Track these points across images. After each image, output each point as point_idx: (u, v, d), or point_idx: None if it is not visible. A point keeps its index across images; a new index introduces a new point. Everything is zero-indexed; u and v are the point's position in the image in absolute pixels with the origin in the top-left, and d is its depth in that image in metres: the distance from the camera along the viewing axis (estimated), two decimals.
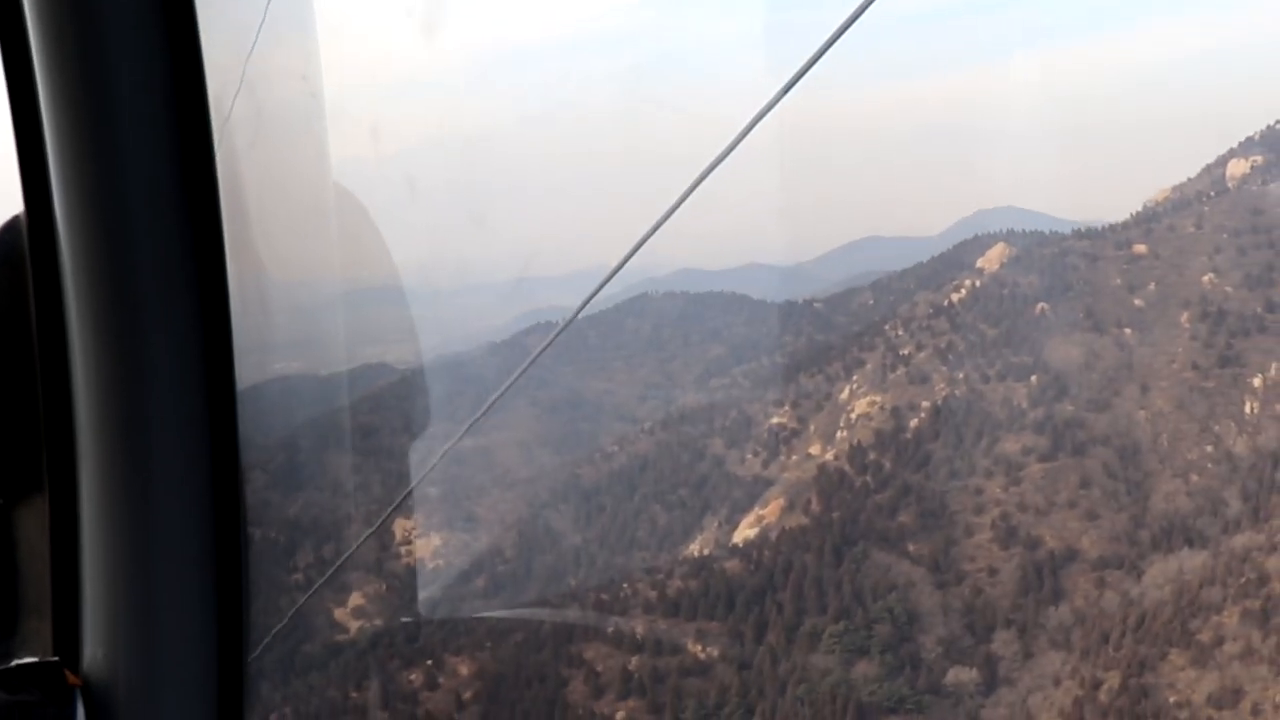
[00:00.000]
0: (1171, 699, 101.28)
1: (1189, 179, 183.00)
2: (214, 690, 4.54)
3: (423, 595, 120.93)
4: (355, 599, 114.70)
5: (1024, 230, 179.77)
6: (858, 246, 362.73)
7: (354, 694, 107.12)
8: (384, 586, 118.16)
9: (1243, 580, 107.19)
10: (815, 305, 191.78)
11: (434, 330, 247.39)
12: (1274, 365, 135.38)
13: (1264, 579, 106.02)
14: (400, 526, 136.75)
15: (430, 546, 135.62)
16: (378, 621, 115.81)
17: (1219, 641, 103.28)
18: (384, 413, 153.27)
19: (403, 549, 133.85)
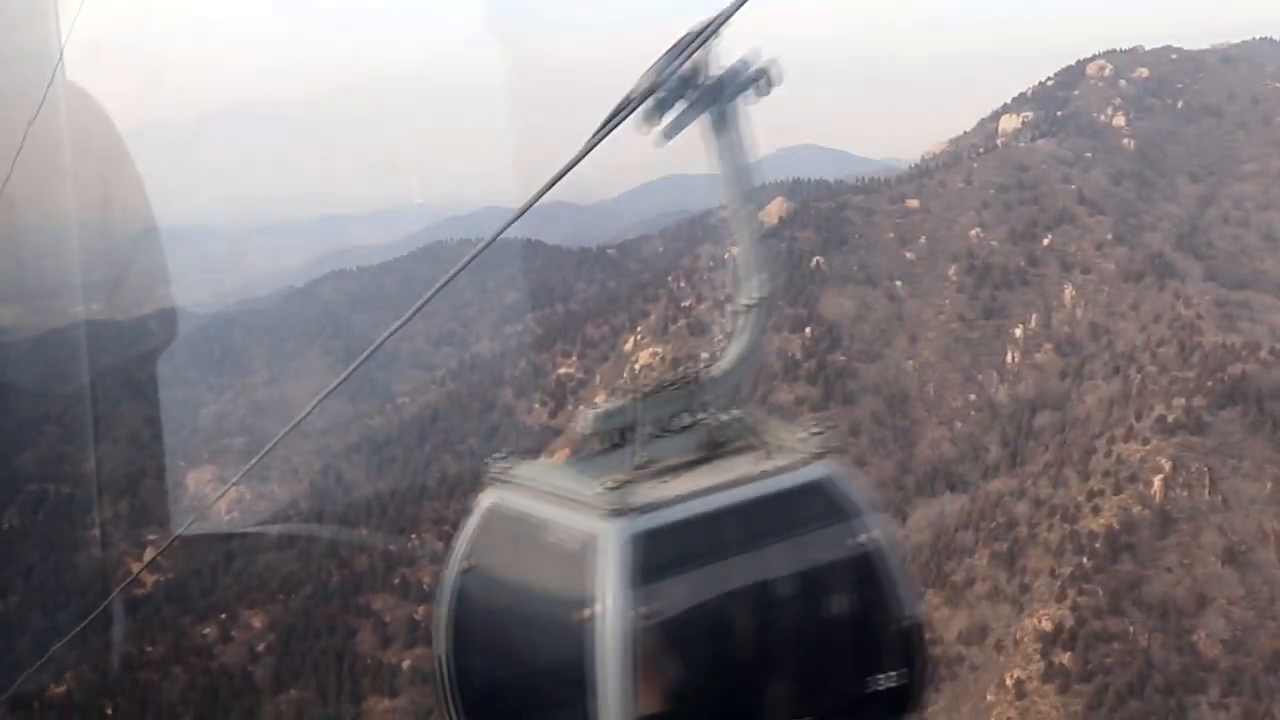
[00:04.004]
0: (925, 636, 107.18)
1: (965, 131, 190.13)
2: None
3: (217, 548, 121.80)
4: (148, 553, 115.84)
5: (812, 178, 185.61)
6: (661, 184, 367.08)
7: (149, 647, 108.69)
8: (178, 540, 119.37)
9: (993, 525, 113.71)
10: (609, 251, 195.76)
11: (230, 272, 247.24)
12: (1034, 317, 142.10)
13: (1012, 523, 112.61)
14: (194, 479, 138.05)
15: (226, 498, 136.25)
16: (170, 575, 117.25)
17: (970, 582, 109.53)
18: (181, 362, 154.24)
19: (196, 501, 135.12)
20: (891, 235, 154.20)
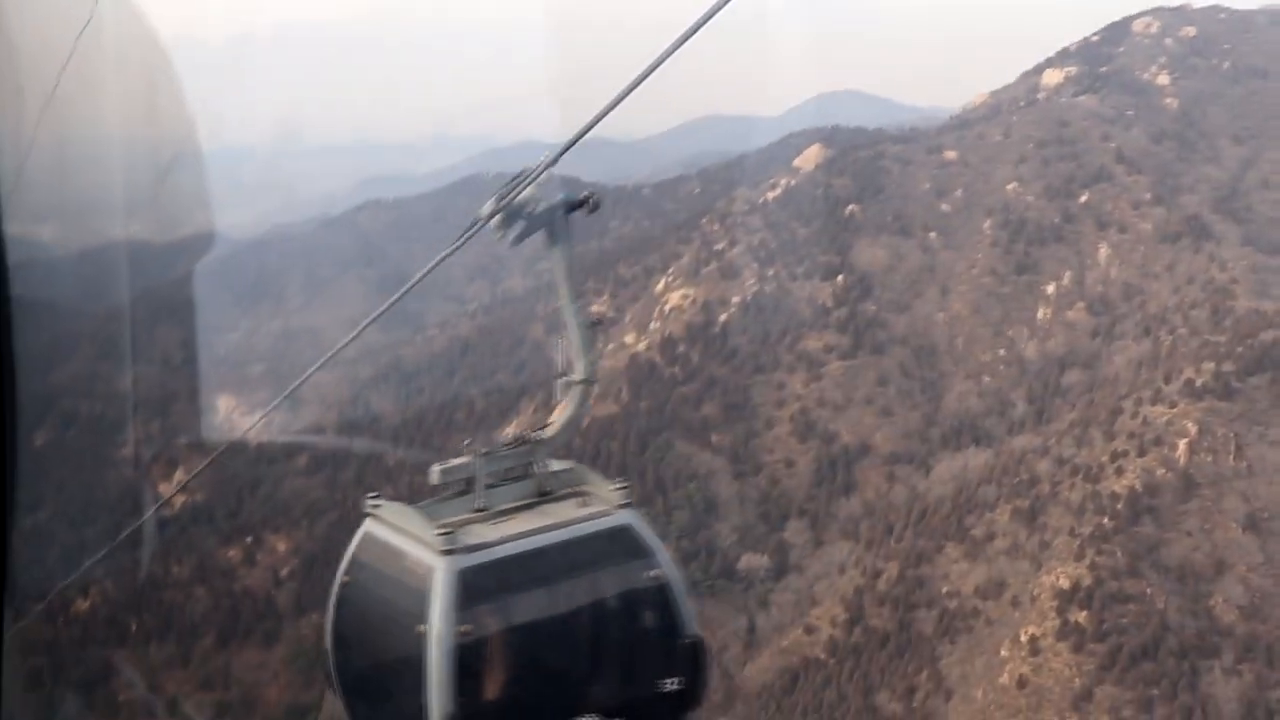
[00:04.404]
0: (943, 589, 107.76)
1: (1007, 84, 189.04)
2: None
3: (244, 472, 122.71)
4: (178, 474, 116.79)
5: (852, 125, 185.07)
6: (701, 124, 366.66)
7: (174, 567, 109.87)
8: (208, 463, 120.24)
9: (1016, 481, 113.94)
10: (645, 191, 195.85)
11: (268, 196, 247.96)
12: (1067, 274, 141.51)
13: (1034, 480, 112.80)
14: (225, 404, 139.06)
15: (254, 424, 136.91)
16: (197, 497, 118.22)
17: (990, 537, 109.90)
18: (216, 286, 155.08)
19: (226, 425, 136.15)
20: (928, 186, 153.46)
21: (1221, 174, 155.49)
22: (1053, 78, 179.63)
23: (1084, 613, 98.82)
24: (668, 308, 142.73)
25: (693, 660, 6.99)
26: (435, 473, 7.42)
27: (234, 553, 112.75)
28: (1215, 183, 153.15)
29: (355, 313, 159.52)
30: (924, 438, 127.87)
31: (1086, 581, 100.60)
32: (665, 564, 6.98)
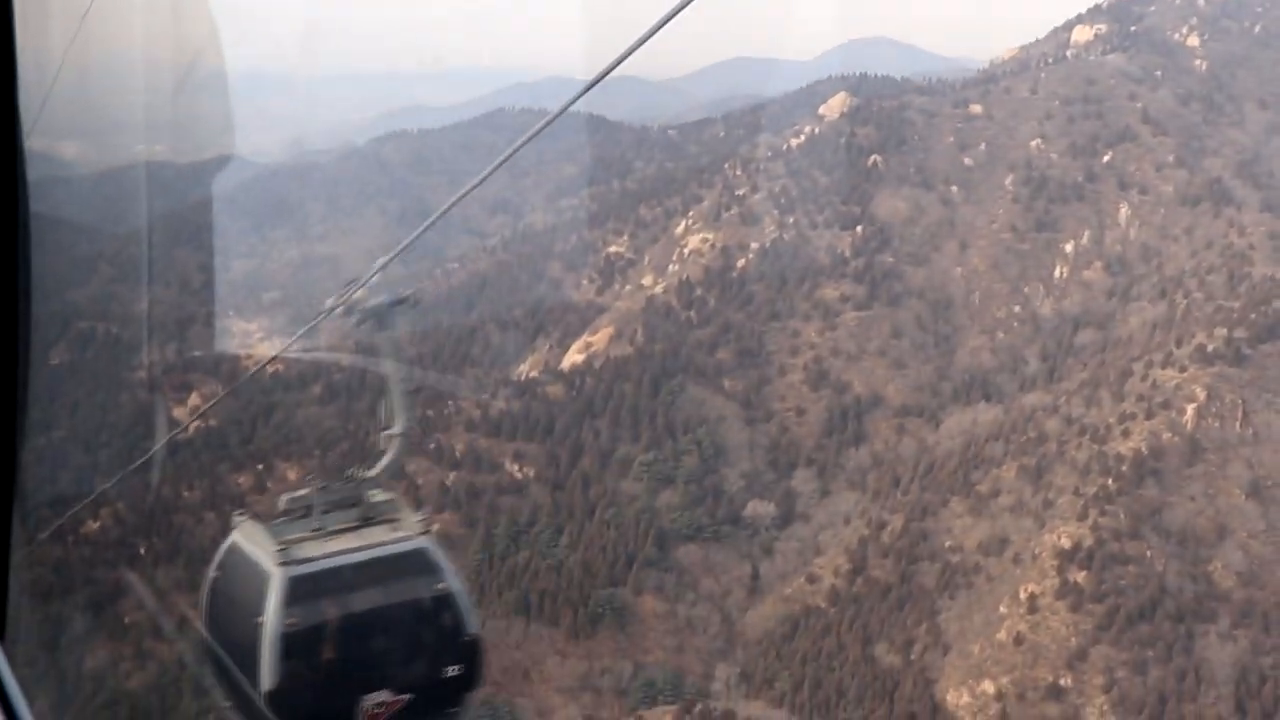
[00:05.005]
0: (946, 544, 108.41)
1: (1037, 39, 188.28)
2: None
3: (259, 400, 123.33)
4: (193, 399, 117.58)
5: (880, 74, 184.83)
6: (729, 65, 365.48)
7: (185, 492, 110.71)
8: (221, 389, 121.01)
9: (1024, 439, 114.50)
10: (670, 132, 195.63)
11: (293, 123, 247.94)
12: (1087, 233, 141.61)
13: (1042, 438, 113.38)
14: (239, 328, 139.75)
15: (270, 352, 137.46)
16: (210, 423, 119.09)
17: (995, 494, 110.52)
18: (237, 211, 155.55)
19: (243, 353, 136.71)
20: (951, 140, 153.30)
21: (1246, 139, 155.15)
22: (1083, 34, 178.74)
23: (1084, 573, 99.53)
24: (687, 251, 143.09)
25: (471, 653, 8.96)
26: (283, 500, 9.24)
27: (245, 479, 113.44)
28: (1239, 147, 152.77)
29: (375, 244, 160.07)
30: (935, 391, 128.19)
31: (1088, 542, 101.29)
32: (452, 579, 8.86)
